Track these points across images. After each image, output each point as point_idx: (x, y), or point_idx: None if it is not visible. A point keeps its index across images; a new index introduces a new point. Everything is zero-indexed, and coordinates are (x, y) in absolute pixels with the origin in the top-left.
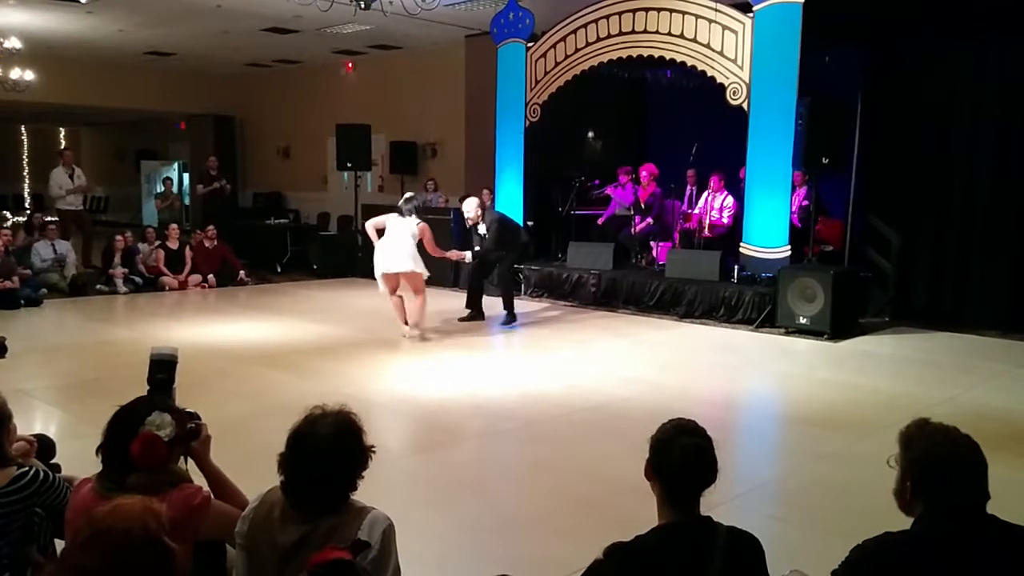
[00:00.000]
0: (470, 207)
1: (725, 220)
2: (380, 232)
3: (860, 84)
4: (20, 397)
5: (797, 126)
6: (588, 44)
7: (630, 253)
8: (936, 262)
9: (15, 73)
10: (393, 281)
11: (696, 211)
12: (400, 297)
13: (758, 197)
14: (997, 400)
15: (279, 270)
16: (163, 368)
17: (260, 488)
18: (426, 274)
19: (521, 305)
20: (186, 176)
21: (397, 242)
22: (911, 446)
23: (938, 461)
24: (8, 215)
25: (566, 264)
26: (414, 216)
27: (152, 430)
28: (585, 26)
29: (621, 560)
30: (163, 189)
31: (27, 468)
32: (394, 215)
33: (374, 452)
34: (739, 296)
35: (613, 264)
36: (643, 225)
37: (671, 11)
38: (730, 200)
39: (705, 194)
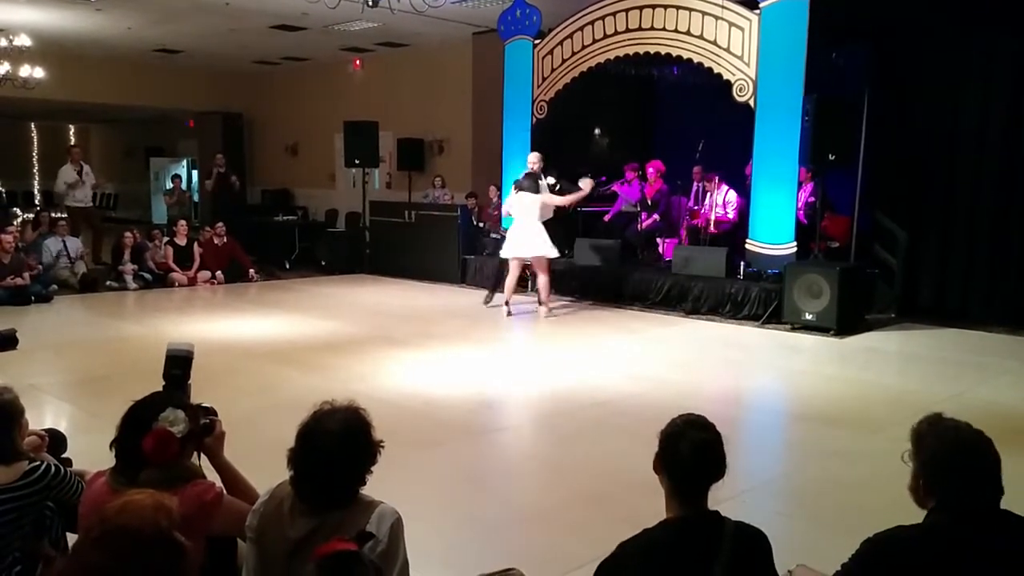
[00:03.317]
0: (534, 157)
1: (730, 215)
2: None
3: (867, 81)
4: (31, 392)
5: (804, 123)
6: (595, 41)
7: (636, 249)
8: (943, 258)
9: (25, 70)
10: (520, 263)
11: (702, 208)
12: (515, 280)
13: (764, 193)
14: (1005, 397)
15: (287, 266)
16: (179, 364)
17: (269, 483)
18: (554, 254)
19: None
20: (195, 173)
21: (524, 224)
22: (923, 442)
23: (949, 457)
24: (18, 212)
25: (572, 260)
26: (536, 192)
27: (165, 426)
28: (592, 23)
29: (629, 554)
30: (172, 186)
31: (38, 463)
32: (520, 194)
33: (383, 447)
34: (745, 292)
35: (619, 261)
36: (649, 221)
37: (678, 8)
38: (732, 195)
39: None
